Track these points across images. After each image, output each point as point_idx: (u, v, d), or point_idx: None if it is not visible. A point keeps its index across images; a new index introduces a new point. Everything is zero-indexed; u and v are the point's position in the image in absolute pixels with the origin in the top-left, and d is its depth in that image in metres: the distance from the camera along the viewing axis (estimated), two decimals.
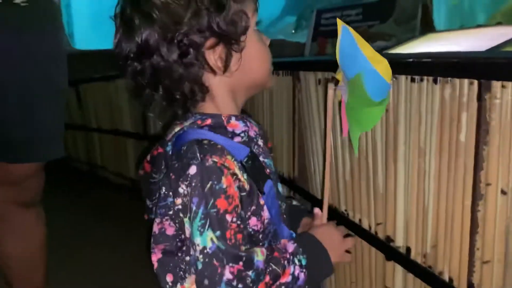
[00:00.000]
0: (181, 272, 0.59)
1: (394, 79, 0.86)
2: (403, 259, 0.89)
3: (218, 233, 0.57)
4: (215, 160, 0.58)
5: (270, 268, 0.60)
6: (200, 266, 0.57)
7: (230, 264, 0.57)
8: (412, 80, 0.81)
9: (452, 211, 0.76)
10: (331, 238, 0.70)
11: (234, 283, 0.57)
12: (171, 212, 0.60)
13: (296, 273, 0.62)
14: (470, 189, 0.72)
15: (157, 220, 0.61)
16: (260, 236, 0.64)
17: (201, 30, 0.58)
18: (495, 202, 0.69)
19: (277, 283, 0.60)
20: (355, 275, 1.07)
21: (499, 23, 1.91)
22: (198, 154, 0.58)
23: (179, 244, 0.60)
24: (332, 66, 1.09)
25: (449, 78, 0.73)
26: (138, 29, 0.58)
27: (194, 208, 0.57)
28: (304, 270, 0.63)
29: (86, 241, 1.98)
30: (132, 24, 0.59)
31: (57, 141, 1.02)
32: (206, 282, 0.57)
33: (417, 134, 0.82)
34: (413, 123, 0.82)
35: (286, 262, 0.62)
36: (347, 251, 0.73)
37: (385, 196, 0.92)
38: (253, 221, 0.62)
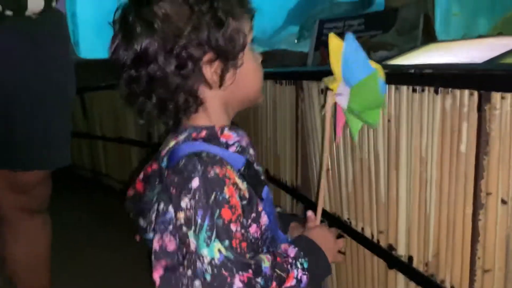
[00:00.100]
0: (184, 287, 0.60)
1: (396, 89, 0.87)
2: (405, 267, 0.90)
3: (226, 243, 0.58)
4: (217, 171, 0.58)
5: (276, 274, 0.61)
6: (209, 278, 0.57)
7: (240, 273, 0.57)
8: (414, 90, 0.82)
9: (453, 220, 0.77)
10: (325, 239, 0.71)
11: None
12: (171, 227, 0.60)
13: (299, 276, 0.63)
14: (471, 198, 0.73)
15: (157, 236, 0.61)
16: (259, 242, 0.65)
17: (200, 44, 0.60)
18: (496, 211, 0.70)
19: (283, 287, 0.62)
20: (358, 283, 1.07)
21: (500, 34, 1.93)
22: (199, 167, 0.59)
23: (180, 258, 0.61)
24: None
25: (449, 89, 0.75)
26: (139, 37, 0.59)
27: (199, 220, 0.57)
28: (306, 273, 0.64)
29: (88, 245, 1.99)
30: (133, 31, 0.59)
31: (65, 149, 1.04)
32: None
33: (419, 143, 0.83)
34: (414, 132, 0.84)
35: (289, 266, 0.63)
36: (340, 252, 0.75)
37: (387, 205, 0.93)
38: (253, 228, 0.63)
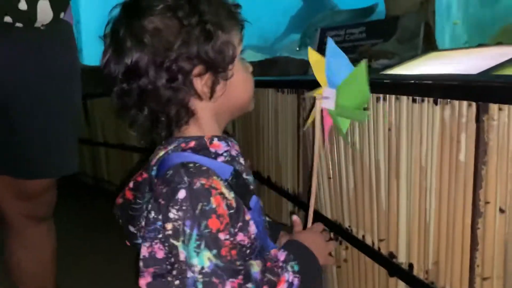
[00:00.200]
0: None
1: (396, 99, 0.89)
2: (405, 275, 0.91)
3: (214, 251, 0.59)
4: (203, 182, 0.59)
5: (266, 278, 0.63)
6: (200, 286, 0.58)
7: (231, 280, 0.59)
8: (414, 100, 0.84)
9: (452, 228, 0.78)
10: (315, 242, 0.72)
11: None
12: (160, 236, 0.61)
13: (290, 280, 0.64)
14: (470, 207, 0.74)
15: (147, 244, 0.62)
16: (248, 251, 0.65)
17: (190, 57, 0.61)
18: (494, 220, 0.71)
19: None
20: None
21: (499, 43, 1.95)
22: (185, 178, 0.60)
23: (168, 267, 0.62)
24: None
25: (448, 100, 0.76)
26: (129, 51, 0.60)
27: (188, 230, 0.59)
28: (297, 276, 0.65)
29: (91, 251, 2.00)
30: (123, 46, 0.60)
31: (72, 157, 1.06)
32: None
33: (419, 152, 0.84)
34: (414, 142, 0.85)
35: (280, 270, 0.65)
36: (330, 254, 0.76)
37: (388, 213, 0.94)
38: (240, 236, 0.64)
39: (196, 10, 0.61)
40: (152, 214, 0.62)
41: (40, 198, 1.05)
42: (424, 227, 0.85)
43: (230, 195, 0.62)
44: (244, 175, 0.68)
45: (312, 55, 0.68)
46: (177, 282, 0.60)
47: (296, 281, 0.65)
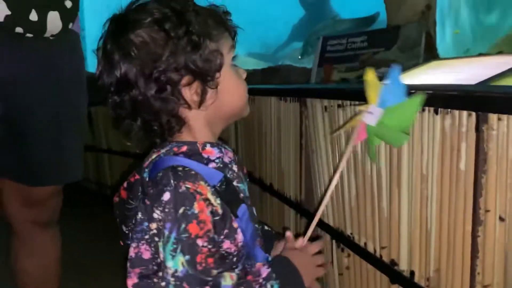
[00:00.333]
0: None
1: None
2: (407, 282, 0.91)
3: (187, 257, 0.59)
4: (188, 186, 0.60)
5: None
6: None
7: None
8: (421, 108, 0.85)
9: (453, 236, 0.79)
10: (304, 264, 0.71)
11: None
12: (147, 237, 0.62)
13: None
14: (470, 215, 0.75)
15: (134, 244, 0.64)
16: (234, 259, 0.65)
17: (178, 68, 0.62)
18: (494, 228, 0.72)
19: None
20: None
21: (500, 52, 1.96)
22: (172, 181, 0.61)
23: (155, 267, 0.63)
24: (338, 94, 1.15)
25: (449, 110, 0.78)
26: (117, 64, 0.62)
27: (167, 232, 0.60)
28: None
29: (93, 257, 2.01)
30: (112, 59, 0.62)
31: (77, 164, 1.08)
32: None
33: (419, 161, 0.86)
34: (415, 150, 0.86)
35: (258, 286, 0.64)
36: (320, 265, 0.75)
37: (389, 221, 0.95)
38: (226, 244, 0.64)
39: (183, 21, 0.63)
40: (139, 214, 0.64)
41: (45, 204, 1.07)
42: (425, 235, 0.86)
43: (216, 201, 0.62)
44: (235, 183, 0.68)
45: (369, 75, 0.70)
46: (163, 283, 0.61)
47: None
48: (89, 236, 2.30)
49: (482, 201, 0.73)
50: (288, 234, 0.76)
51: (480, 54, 1.86)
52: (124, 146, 2.72)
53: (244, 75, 0.71)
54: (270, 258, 0.73)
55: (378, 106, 0.69)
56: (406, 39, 2.15)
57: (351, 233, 1.11)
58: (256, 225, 0.73)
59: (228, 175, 0.67)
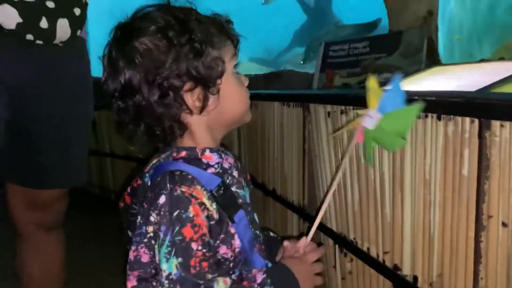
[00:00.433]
0: None
1: None
2: (410, 287, 0.92)
3: (180, 260, 0.60)
4: (183, 190, 0.62)
5: None
6: None
7: None
8: (418, 116, 0.86)
9: (456, 241, 0.80)
10: (302, 272, 0.72)
11: None
12: (146, 240, 0.63)
13: None
14: (473, 220, 0.76)
15: (133, 247, 0.64)
16: (231, 264, 0.66)
17: (180, 75, 0.63)
18: (497, 234, 0.73)
19: None
20: None
21: (501, 58, 1.97)
22: (168, 184, 0.62)
23: (153, 271, 0.63)
24: (341, 99, 1.16)
25: (452, 116, 0.79)
26: (122, 70, 0.63)
27: (161, 235, 0.61)
28: None
29: (95, 260, 2.01)
30: (117, 66, 0.64)
31: (83, 169, 1.09)
32: None
33: (423, 166, 0.86)
34: (418, 156, 0.87)
35: None
36: (318, 274, 0.75)
37: (393, 226, 0.96)
38: (222, 249, 0.65)
39: (186, 29, 0.64)
40: (139, 218, 0.65)
41: (51, 207, 1.08)
42: (428, 240, 0.86)
43: (211, 206, 0.63)
44: (234, 188, 0.69)
45: (371, 81, 0.72)
46: (160, 286, 0.62)
47: None
48: (92, 239, 2.31)
49: (485, 206, 0.74)
50: (286, 243, 0.76)
51: (482, 60, 1.87)
52: (127, 150, 2.73)
53: (246, 82, 0.73)
54: (270, 265, 0.73)
55: (377, 111, 0.71)
56: (408, 44, 2.16)
57: (354, 238, 1.11)
58: (258, 231, 0.73)
59: (227, 181, 0.68)
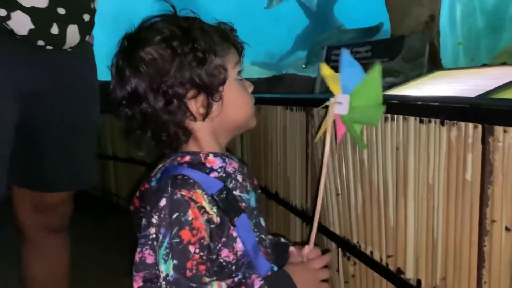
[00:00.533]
0: None
1: (404, 119, 0.92)
2: None
3: (175, 262, 0.62)
4: (183, 193, 0.64)
5: None
6: None
7: None
8: (421, 121, 0.87)
9: (460, 245, 0.80)
10: (304, 280, 0.72)
11: None
12: (149, 242, 0.65)
13: None
14: (477, 225, 0.76)
15: (138, 249, 0.67)
16: (233, 267, 0.67)
17: (183, 83, 0.66)
18: (500, 238, 0.73)
19: None
20: None
21: (503, 63, 1.98)
22: (169, 188, 0.65)
23: (157, 272, 0.65)
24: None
25: (455, 121, 0.79)
26: (128, 79, 0.67)
27: (161, 237, 0.63)
28: None
29: (97, 263, 2.02)
30: (123, 74, 0.67)
31: (90, 171, 1.10)
32: None
33: (426, 171, 0.87)
34: (422, 161, 0.88)
35: None
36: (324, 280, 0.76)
37: (396, 229, 0.97)
38: (224, 252, 0.67)
39: (189, 38, 0.67)
40: (144, 221, 0.67)
41: (56, 210, 1.09)
42: (431, 244, 0.87)
43: (212, 209, 0.65)
44: (237, 192, 0.70)
45: (324, 68, 0.72)
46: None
47: None
48: (94, 242, 2.32)
49: (488, 211, 0.74)
50: (292, 249, 0.77)
51: (484, 65, 1.88)
52: (129, 153, 2.74)
53: (251, 89, 0.74)
54: (275, 269, 0.74)
55: (343, 93, 0.71)
56: (410, 49, 2.17)
57: (357, 242, 1.12)
58: (263, 235, 0.74)
59: (230, 185, 0.70)
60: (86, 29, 0.98)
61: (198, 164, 0.69)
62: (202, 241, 0.63)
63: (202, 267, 0.63)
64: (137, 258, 0.66)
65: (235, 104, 0.71)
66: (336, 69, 2.34)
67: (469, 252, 0.78)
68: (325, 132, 0.77)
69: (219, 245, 0.66)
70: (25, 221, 1.09)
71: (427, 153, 0.86)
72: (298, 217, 1.46)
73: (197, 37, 0.67)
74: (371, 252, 1.06)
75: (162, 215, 0.63)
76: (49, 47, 0.93)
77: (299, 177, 1.44)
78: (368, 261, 1.07)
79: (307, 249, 0.76)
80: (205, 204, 0.64)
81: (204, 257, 0.64)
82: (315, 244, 0.80)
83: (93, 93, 1.07)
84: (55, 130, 1.00)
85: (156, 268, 0.65)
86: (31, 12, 0.89)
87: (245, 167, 0.75)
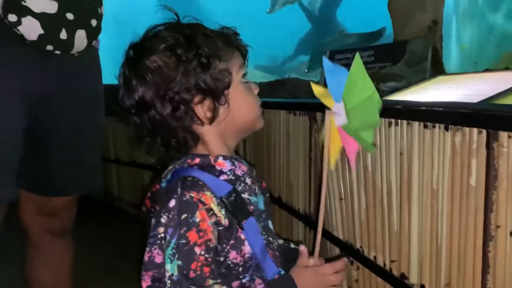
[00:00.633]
0: None
1: (408, 124, 0.92)
2: None
3: (180, 262, 0.63)
4: (192, 195, 0.65)
5: None
6: None
7: None
8: (425, 126, 0.87)
9: (464, 250, 0.80)
10: (309, 278, 0.71)
11: None
12: (158, 241, 0.66)
13: None
14: (481, 230, 0.76)
15: (147, 248, 0.67)
16: (240, 269, 0.68)
17: (189, 88, 0.67)
18: (505, 244, 0.73)
19: None
20: None
21: (507, 68, 1.98)
22: (179, 189, 0.66)
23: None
24: None
25: (459, 127, 0.79)
26: (135, 87, 0.68)
27: (168, 237, 0.64)
28: None
29: (99, 266, 2.02)
30: (130, 84, 0.69)
31: (97, 175, 1.11)
32: None
33: (430, 176, 0.87)
34: (426, 166, 0.88)
35: None
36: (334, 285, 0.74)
37: (400, 234, 0.97)
38: (232, 254, 0.67)
39: (193, 45, 0.68)
40: (153, 220, 0.68)
41: (61, 214, 1.10)
42: (435, 249, 0.87)
43: (220, 212, 0.66)
44: (246, 195, 0.71)
45: (315, 88, 0.71)
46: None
47: None
48: (96, 245, 2.32)
49: (493, 216, 0.74)
50: (302, 248, 0.76)
51: (487, 70, 1.88)
52: (132, 157, 2.75)
53: (256, 90, 0.75)
54: (282, 272, 0.74)
55: (336, 103, 0.69)
56: (413, 54, 2.18)
57: (361, 246, 1.12)
58: (271, 238, 0.74)
59: (239, 188, 0.70)
60: (93, 34, 0.99)
61: (208, 167, 0.70)
62: (208, 243, 0.64)
63: (206, 269, 0.64)
64: (146, 258, 0.67)
65: (241, 107, 0.72)
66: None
67: (473, 258, 0.78)
68: (328, 143, 0.75)
69: (227, 247, 0.67)
70: (30, 224, 1.10)
71: (431, 158, 0.86)
72: (301, 222, 1.46)
73: (201, 43, 0.68)
74: (375, 257, 1.06)
75: (171, 216, 0.64)
76: (57, 52, 0.94)
77: (302, 181, 1.44)
78: (371, 266, 1.07)
79: (311, 261, 0.74)
80: (214, 206, 0.65)
81: (209, 259, 0.64)
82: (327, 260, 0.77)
83: (99, 97, 1.08)
84: (62, 134, 1.01)
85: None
86: (41, 17, 0.90)
87: (254, 170, 0.76)
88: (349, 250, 1.17)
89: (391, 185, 0.99)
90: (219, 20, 0.74)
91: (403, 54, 2.17)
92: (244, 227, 0.68)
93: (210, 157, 0.70)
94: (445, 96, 1.45)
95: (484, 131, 0.75)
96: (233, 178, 0.71)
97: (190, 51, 0.67)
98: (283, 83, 2.98)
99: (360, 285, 1.14)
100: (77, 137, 1.03)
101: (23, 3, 0.88)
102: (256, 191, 0.74)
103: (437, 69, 2.08)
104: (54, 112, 0.99)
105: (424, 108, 0.90)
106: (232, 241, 0.67)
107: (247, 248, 0.68)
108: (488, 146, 0.74)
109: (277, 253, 0.75)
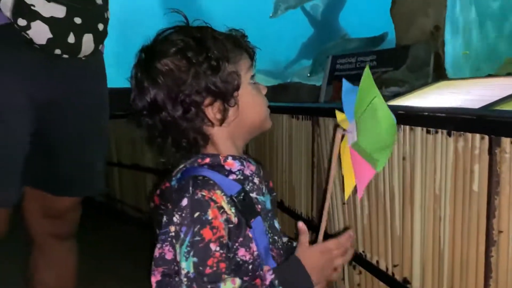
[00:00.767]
0: None
1: (410, 129, 0.93)
2: None
3: (196, 260, 0.64)
4: (204, 193, 0.66)
5: None
6: None
7: None
8: (428, 132, 0.88)
9: (466, 255, 0.81)
10: (317, 266, 0.71)
11: None
12: (169, 239, 0.67)
13: None
14: (484, 235, 0.77)
15: (158, 245, 0.68)
16: (250, 267, 0.69)
17: (200, 91, 0.69)
18: (507, 249, 0.74)
19: None
20: None
21: (509, 74, 1.99)
22: (190, 188, 0.67)
23: (176, 268, 0.67)
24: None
25: (462, 132, 0.80)
26: (147, 90, 0.69)
27: (182, 235, 0.65)
28: None
29: (100, 268, 2.02)
30: (142, 86, 0.70)
31: (100, 177, 1.12)
32: None
33: (433, 181, 0.88)
34: (428, 171, 0.88)
35: None
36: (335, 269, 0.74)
37: (402, 239, 0.97)
38: (241, 251, 0.69)
39: (203, 48, 0.69)
40: (164, 218, 0.69)
41: (65, 216, 1.11)
42: (438, 254, 0.87)
43: (230, 210, 0.67)
44: (254, 194, 0.72)
45: (339, 114, 0.70)
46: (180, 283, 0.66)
47: None
48: (98, 247, 2.32)
49: (495, 222, 0.75)
50: (300, 225, 0.75)
51: (489, 75, 1.89)
52: (134, 160, 2.76)
53: (264, 91, 0.77)
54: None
55: (350, 121, 0.69)
56: (415, 59, 2.18)
57: (363, 251, 1.12)
58: (276, 237, 0.75)
59: (247, 187, 0.72)
60: (100, 38, 1.01)
61: (218, 166, 0.71)
62: (221, 239, 0.66)
63: (222, 265, 0.65)
64: (156, 254, 0.68)
65: (250, 108, 0.73)
66: (340, 77, 2.33)
67: (476, 263, 0.79)
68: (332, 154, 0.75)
69: (236, 244, 0.68)
70: (34, 226, 1.10)
71: (434, 164, 0.87)
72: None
73: (210, 46, 0.70)
74: (377, 262, 1.07)
75: (183, 214, 0.66)
76: (65, 56, 0.95)
77: (305, 186, 1.44)
78: (374, 270, 1.07)
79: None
80: (224, 204, 0.67)
81: (224, 255, 0.66)
82: None
83: (104, 100, 1.09)
84: (68, 137, 1.02)
85: (175, 264, 0.67)
86: (50, 21, 0.91)
87: (261, 170, 0.77)
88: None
89: (393, 190, 0.99)
90: (222, 25, 0.76)
91: (405, 59, 2.17)
92: (252, 226, 0.70)
93: (220, 157, 0.72)
94: (447, 102, 1.46)
95: (487, 137, 0.75)
96: (242, 178, 0.72)
97: (200, 54, 0.69)
98: (285, 88, 2.99)
99: None
100: (83, 139, 1.04)
101: (32, 7, 0.89)
102: (264, 190, 0.75)
103: (439, 74, 2.09)
104: (60, 115, 1.00)
105: (426, 113, 0.91)
106: (241, 239, 0.69)
107: (255, 246, 0.70)
108: (491, 152, 0.75)
109: (281, 251, 0.75)
